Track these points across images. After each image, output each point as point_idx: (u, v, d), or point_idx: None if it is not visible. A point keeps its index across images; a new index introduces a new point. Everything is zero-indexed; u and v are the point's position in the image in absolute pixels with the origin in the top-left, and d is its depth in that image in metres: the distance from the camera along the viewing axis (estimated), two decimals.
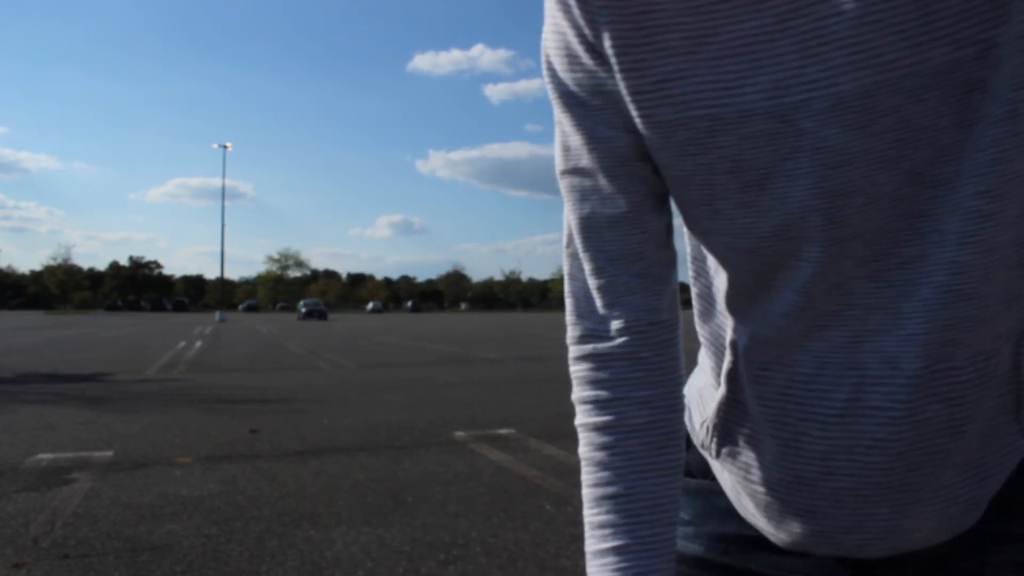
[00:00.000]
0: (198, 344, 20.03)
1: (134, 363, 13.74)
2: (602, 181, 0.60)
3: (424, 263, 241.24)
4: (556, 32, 0.59)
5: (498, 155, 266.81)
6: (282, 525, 3.71)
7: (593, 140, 0.59)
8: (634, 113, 0.57)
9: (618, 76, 0.56)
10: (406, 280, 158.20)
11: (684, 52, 0.54)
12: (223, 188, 54.24)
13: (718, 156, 0.54)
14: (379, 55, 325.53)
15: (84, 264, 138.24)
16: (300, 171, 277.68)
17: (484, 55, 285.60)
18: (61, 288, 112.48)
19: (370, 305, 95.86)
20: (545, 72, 0.61)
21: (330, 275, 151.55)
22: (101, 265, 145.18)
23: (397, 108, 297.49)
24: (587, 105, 0.59)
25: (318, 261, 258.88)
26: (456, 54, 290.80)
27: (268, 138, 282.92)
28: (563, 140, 0.62)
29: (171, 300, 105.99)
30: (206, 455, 5.37)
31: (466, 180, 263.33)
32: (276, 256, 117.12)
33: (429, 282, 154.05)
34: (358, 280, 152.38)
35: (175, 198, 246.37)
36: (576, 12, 0.57)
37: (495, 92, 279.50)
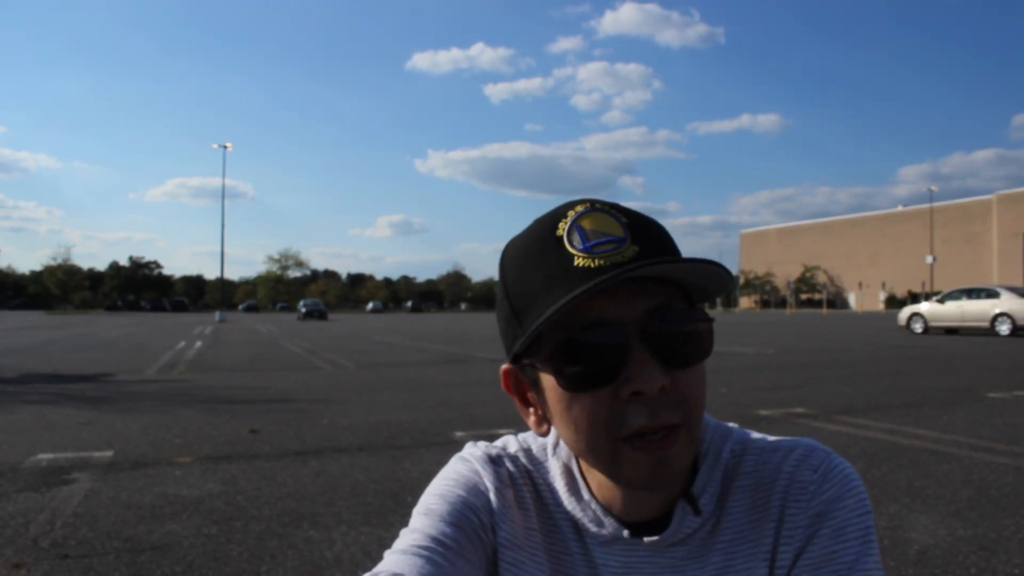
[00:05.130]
0: (198, 344, 20.02)
1: (134, 363, 13.73)
2: None
3: (424, 263, 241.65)
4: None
5: (498, 155, 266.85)
6: (282, 525, 3.71)
7: None
8: None
9: (499, 558, 0.77)
10: (406, 280, 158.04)
11: (548, 571, 0.77)
12: (223, 188, 54.09)
13: None
14: (378, 54, 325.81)
15: (84, 264, 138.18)
16: (300, 171, 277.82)
17: (484, 54, 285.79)
18: (61, 288, 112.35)
19: (370, 305, 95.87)
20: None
21: (330, 275, 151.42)
22: (101, 265, 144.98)
23: (396, 107, 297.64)
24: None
25: (318, 261, 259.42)
26: (456, 53, 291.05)
27: (268, 138, 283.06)
28: None
29: (171, 300, 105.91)
30: (206, 455, 5.37)
31: (465, 180, 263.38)
32: (276, 256, 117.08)
33: (429, 282, 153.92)
34: (358, 280, 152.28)
35: (175, 198, 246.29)
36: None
37: (495, 91, 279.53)
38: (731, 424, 0.84)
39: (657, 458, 0.67)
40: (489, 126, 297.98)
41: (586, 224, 0.68)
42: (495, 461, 0.82)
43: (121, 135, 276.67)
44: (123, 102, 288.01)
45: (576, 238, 0.68)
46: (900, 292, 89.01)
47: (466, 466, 0.82)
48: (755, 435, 0.82)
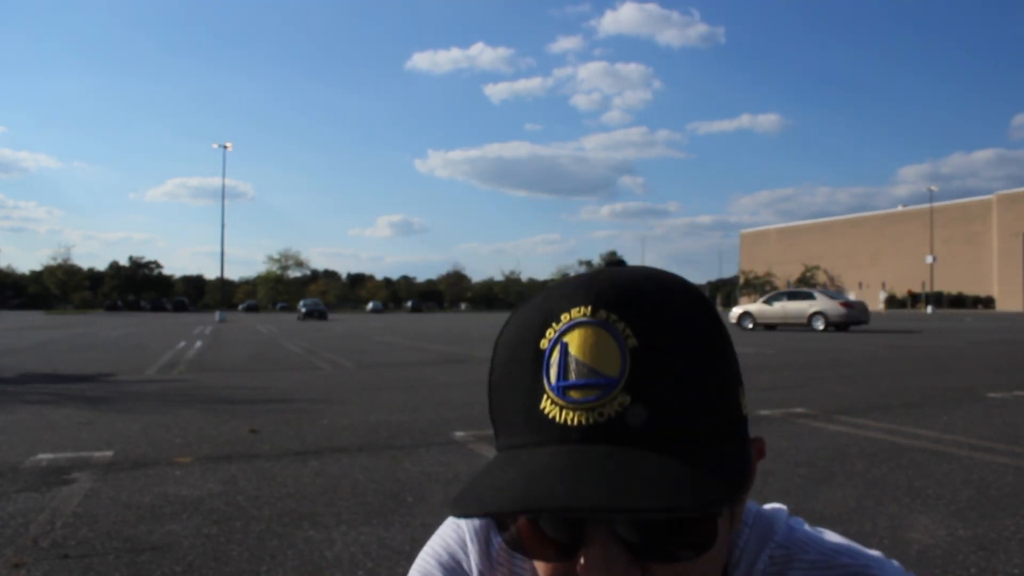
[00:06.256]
0: (198, 344, 20.02)
1: (134, 363, 13.73)
2: None
3: (424, 263, 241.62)
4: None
5: (498, 154, 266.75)
6: (282, 525, 3.71)
7: None
8: None
9: None
10: (406, 280, 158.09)
11: None
12: (223, 188, 54.07)
13: None
14: (378, 54, 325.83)
15: (84, 264, 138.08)
16: (300, 171, 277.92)
17: (484, 54, 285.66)
18: (61, 288, 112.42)
19: (370, 305, 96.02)
20: None
21: (330, 275, 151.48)
22: (101, 265, 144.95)
23: (396, 107, 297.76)
24: None
25: (318, 261, 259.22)
26: (455, 53, 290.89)
27: (268, 138, 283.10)
28: None
29: (171, 300, 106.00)
30: (206, 455, 5.37)
31: (465, 180, 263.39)
32: (276, 256, 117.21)
33: (429, 282, 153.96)
34: (358, 280, 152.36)
35: (175, 198, 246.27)
36: None
37: (495, 91, 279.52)
38: (779, 514, 0.68)
39: None
40: (489, 126, 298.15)
41: (573, 345, 0.52)
42: (491, 534, 0.71)
43: (121, 135, 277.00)
44: (123, 102, 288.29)
45: (554, 365, 0.52)
46: (900, 292, 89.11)
47: (455, 537, 0.73)
48: (807, 531, 0.66)
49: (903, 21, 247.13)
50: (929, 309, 68.65)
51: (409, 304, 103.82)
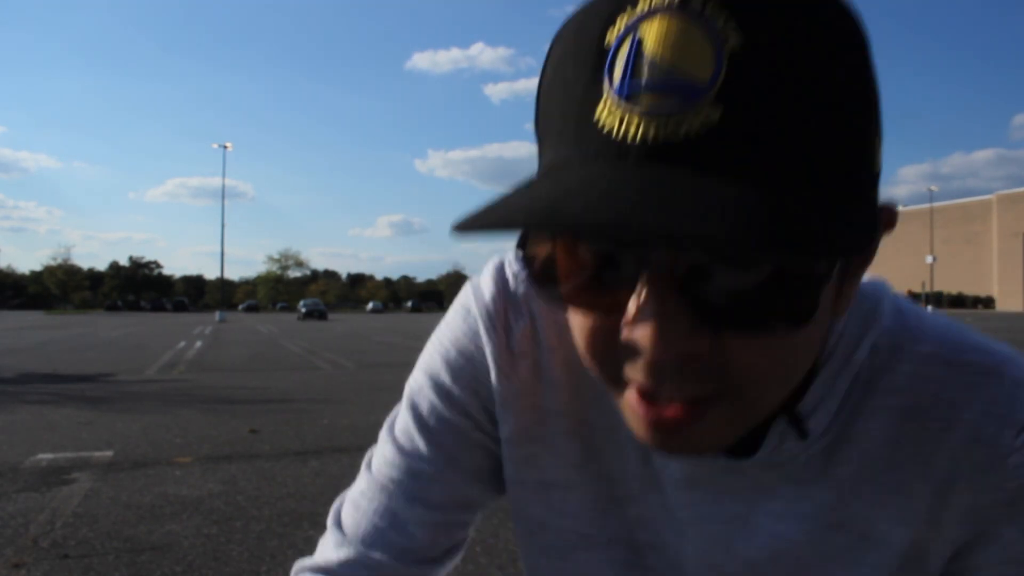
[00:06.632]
0: (198, 344, 20.03)
1: (134, 363, 13.73)
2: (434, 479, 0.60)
3: (424, 263, 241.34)
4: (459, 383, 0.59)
5: (498, 154, 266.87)
6: (282, 525, 3.71)
7: (448, 464, 0.60)
8: (510, 496, 0.60)
9: (504, 455, 0.58)
10: (406, 280, 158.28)
11: (574, 464, 0.56)
12: (223, 188, 54.28)
13: (573, 567, 0.57)
14: (378, 54, 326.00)
15: (84, 264, 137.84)
16: (300, 171, 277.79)
17: (484, 53, 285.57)
18: (61, 288, 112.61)
19: (370, 305, 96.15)
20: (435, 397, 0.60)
21: (330, 275, 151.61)
22: (101, 265, 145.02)
23: (396, 107, 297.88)
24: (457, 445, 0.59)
25: (318, 261, 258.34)
26: (456, 53, 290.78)
27: (268, 138, 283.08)
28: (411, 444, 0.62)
29: (171, 300, 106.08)
30: (206, 455, 5.37)
31: (465, 180, 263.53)
32: (276, 256, 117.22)
33: (429, 282, 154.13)
34: (358, 280, 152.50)
35: (175, 198, 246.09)
36: (479, 398, 0.58)
37: (495, 91, 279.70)
38: (882, 289, 0.54)
39: (665, 431, 0.41)
40: (489, 126, 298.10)
41: (649, 40, 0.36)
42: (510, 319, 0.57)
43: (121, 135, 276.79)
44: (123, 102, 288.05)
45: (620, 63, 0.37)
46: (900, 292, 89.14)
47: (466, 331, 0.59)
48: (919, 314, 0.54)
49: (903, 21, 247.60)
50: (929, 309, 68.69)
51: (409, 304, 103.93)
